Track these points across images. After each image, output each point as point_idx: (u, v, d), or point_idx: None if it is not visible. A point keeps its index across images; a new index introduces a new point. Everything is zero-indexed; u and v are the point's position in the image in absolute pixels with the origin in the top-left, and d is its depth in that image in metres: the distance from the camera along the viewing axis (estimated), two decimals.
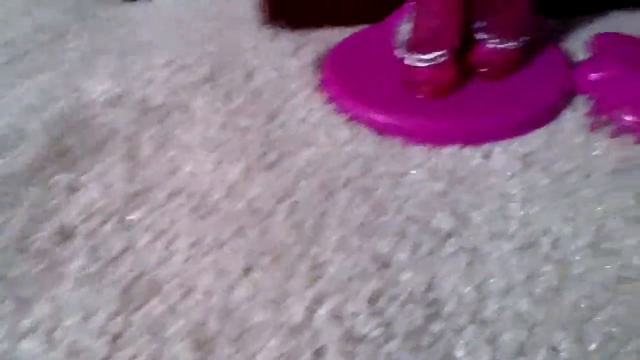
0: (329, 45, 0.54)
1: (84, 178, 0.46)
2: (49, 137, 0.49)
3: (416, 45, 0.48)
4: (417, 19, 0.48)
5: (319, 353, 0.36)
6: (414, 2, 0.48)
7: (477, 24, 0.50)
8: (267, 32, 0.55)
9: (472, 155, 0.47)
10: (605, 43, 0.51)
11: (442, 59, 0.48)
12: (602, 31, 0.54)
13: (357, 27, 0.56)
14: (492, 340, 0.37)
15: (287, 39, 0.55)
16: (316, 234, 0.42)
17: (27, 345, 0.37)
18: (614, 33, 0.54)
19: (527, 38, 0.51)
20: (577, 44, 0.54)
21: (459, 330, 0.37)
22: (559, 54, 0.53)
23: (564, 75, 0.51)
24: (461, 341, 0.37)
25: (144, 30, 0.57)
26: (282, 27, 0.56)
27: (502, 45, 0.50)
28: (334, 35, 0.55)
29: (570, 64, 0.52)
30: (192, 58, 0.54)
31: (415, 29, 0.48)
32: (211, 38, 0.55)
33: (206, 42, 0.55)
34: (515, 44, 0.50)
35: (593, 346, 0.36)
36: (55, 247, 0.42)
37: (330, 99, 0.51)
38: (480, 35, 0.50)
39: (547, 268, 0.40)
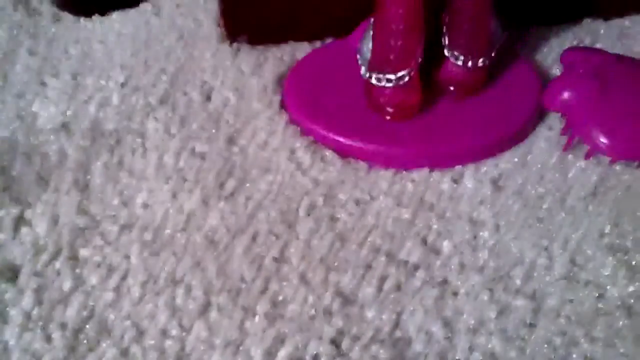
0: (292, 61, 0.52)
1: (30, 211, 0.43)
2: None
3: (378, 64, 0.46)
4: (376, 37, 0.46)
5: None
6: (373, 19, 0.46)
7: (444, 40, 0.48)
8: (227, 49, 0.53)
9: (441, 180, 0.45)
10: (575, 59, 0.49)
11: (407, 78, 0.46)
12: (577, 43, 0.53)
13: (321, 42, 0.54)
14: None
15: (247, 56, 0.52)
16: (277, 269, 0.40)
17: None
18: (584, 48, 0.52)
19: (494, 53, 0.49)
20: (552, 57, 0.52)
21: None
22: (530, 69, 0.51)
23: (536, 93, 0.49)
24: None
25: (98, 49, 0.54)
26: (243, 43, 0.53)
27: (471, 62, 0.48)
28: (298, 51, 0.53)
29: (543, 80, 0.50)
30: (147, 78, 0.52)
31: (375, 48, 0.46)
32: (168, 56, 0.53)
33: (163, 60, 0.53)
34: (484, 60, 0.48)
35: None
36: None
37: (292, 121, 0.49)
38: (447, 52, 0.48)
39: (520, 302, 0.38)
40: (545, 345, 0.36)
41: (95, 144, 0.48)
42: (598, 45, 0.53)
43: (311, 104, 0.49)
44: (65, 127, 0.49)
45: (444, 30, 0.48)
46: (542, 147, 0.47)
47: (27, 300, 0.39)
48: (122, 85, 0.52)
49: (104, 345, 0.37)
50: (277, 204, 0.44)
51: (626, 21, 0.55)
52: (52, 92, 0.52)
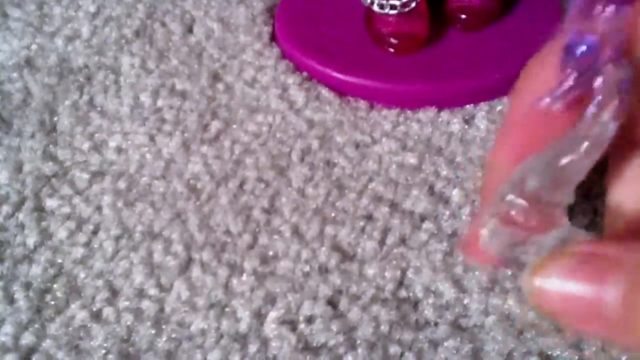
0: None
1: None
2: None
3: None
4: None
5: None
6: None
7: None
8: None
9: (451, 121, 0.42)
10: None
11: (414, 4, 0.43)
12: None
13: None
14: (475, 349, 0.33)
15: None
16: (266, 221, 0.38)
17: None
18: None
19: None
20: None
21: (434, 337, 0.33)
22: None
23: (557, 23, 0.46)
24: (438, 349, 0.33)
25: None
26: None
27: None
28: None
29: (564, 9, 0.47)
30: (121, 8, 0.50)
31: None
32: None
33: None
34: None
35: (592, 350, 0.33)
36: None
37: (284, 55, 0.47)
38: None
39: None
40: None
41: (63, 82, 0.45)
42: None
43: (305, 35, 0.47)
44: (29, 62, 0.47)
45: None
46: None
47: None
48: (94, 15, 0.50)
49: (73, 306, 0.35)
50: (266, 148, 0.41)
51: None
52: (14, 24, 0.49)
